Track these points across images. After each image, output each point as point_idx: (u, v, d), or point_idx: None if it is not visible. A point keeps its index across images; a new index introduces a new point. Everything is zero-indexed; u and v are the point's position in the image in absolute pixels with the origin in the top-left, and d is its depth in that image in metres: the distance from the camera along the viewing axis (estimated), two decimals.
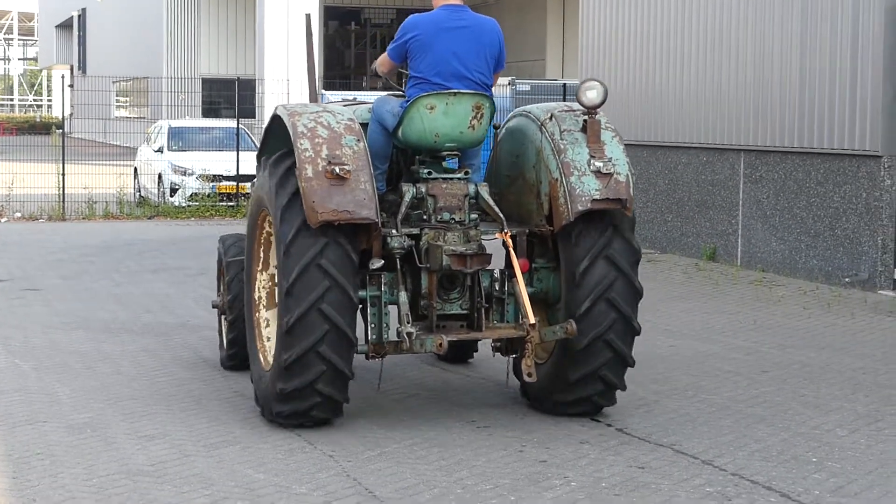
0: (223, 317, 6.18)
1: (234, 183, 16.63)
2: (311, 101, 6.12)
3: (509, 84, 17.27)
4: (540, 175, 5.07)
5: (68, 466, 4.50)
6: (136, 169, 19.48)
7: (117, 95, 40.95)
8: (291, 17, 23.72)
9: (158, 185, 17.54)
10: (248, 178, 15.75)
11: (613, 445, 4.65)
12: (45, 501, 4.05)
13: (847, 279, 9.28)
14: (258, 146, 5.72)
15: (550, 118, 5.08)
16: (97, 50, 45.02)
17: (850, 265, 9.34)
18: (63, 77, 32.75)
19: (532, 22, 29.73)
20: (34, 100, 70.95)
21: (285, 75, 20.78)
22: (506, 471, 4.33)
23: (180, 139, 18.55)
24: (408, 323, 4.66)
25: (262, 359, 5.06)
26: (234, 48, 33.21)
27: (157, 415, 5.45)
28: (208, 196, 16.61)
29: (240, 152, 16.71)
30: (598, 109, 4.95)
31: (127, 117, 40.35)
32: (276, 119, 5.07)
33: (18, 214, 16.05)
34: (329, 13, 31.48)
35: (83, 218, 16.00)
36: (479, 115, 5.08)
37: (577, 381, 4.87)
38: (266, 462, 4.59)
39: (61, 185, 16.46)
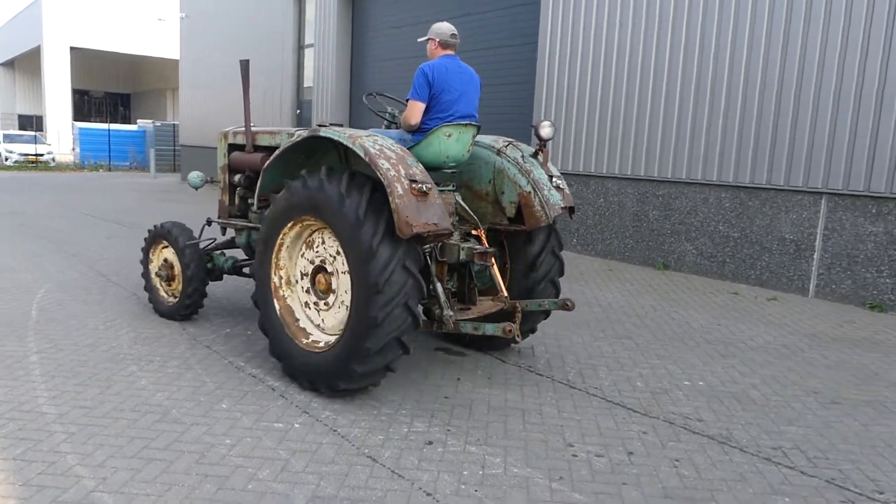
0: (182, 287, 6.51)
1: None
2: (246, 133, 6.29)
3: None
4: (502, 187, 5.62)
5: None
6: None
7: None
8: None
9: None
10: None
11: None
12: None
13: None
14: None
15: (506, 146, 5.71)
16: None
17: None
18: None
19: None
20: None
21: None
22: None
23: None
24: (448, 308, 5.01)
25: (301, 342, 5.07)
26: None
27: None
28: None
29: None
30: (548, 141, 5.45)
31: None
32: (313, 138, 5.05)
33: None
34: (74, 92, 51.73)
35: None
36: (473, 143, 5.48)
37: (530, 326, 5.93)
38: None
39: None
